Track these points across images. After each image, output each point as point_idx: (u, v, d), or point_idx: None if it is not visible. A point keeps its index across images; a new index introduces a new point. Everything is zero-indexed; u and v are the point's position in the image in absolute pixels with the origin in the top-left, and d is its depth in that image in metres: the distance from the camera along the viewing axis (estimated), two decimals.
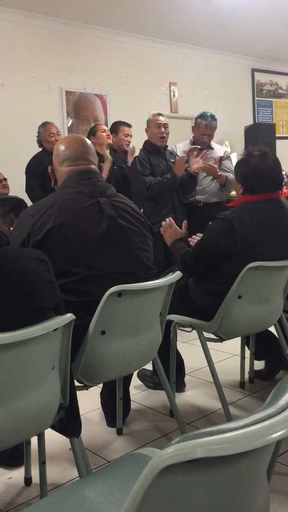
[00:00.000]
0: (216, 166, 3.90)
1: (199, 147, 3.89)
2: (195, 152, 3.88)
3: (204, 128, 3.96)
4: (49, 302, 1.41)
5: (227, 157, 4.15)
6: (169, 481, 0.67)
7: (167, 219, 2.60)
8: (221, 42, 6.60)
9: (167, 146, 3.95)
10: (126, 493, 0.69)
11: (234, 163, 4.24)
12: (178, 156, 3.95)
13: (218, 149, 4.18)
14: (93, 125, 5.10)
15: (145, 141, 3.92)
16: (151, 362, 2.60)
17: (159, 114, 3.89)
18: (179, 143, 4.19)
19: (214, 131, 4.00)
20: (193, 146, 3.91)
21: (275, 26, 6.06)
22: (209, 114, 3.98)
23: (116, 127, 4.45)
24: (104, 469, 1.27)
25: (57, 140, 3.84)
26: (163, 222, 2.60)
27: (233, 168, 4.06)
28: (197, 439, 0.64)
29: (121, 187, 3.77)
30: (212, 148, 4.11)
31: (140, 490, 0.66)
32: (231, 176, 3.91)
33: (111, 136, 4.17)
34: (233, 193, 4.21)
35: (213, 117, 3.96)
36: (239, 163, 2.37)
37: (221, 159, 4.08)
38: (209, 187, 3.98)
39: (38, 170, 4.22)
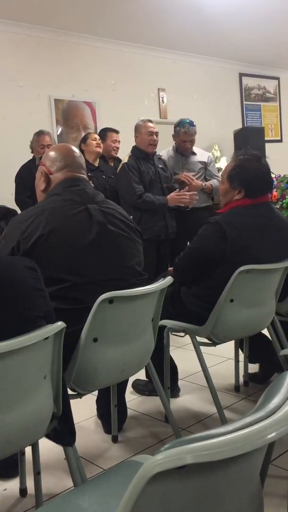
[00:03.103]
0: (192, 180, 3.89)
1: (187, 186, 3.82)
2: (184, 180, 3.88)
3: (183, 135, 3.94)
4: (40, 311, 1.40)
5: (210, 162, 4.13)
6: (159, 487, 0.66)
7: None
8: (208, 47, 6.64)
9: (155, 152, 3.95)
10: (120, 501, 0.69)
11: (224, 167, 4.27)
12: (165, 161, 3.95)
13: (201, 155, 4.13)
14: (83, 133, 5.13)
15: (133, 147, 3.86)
16: (144, 371, 2.60)
17: (150, 121, 3.86)
18: (161, 150, 4.14)
19: (194, 136, 3.98)
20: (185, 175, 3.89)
21: (261, 31, 6.11)
22: (187, 121, 3.94)
23: (104, 134, 4.47)
24: (99, 477, 1.26)
25: None
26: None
27: (218, 173, 4.06)
28: (186, 445, 0.64)
29: (110, 196, 3.76)
30: (195, 154, 4.09)
31: (131, 498, 0.66)
32: (216, 182, 3.90)
33: (101, 145, 4.17)
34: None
35: (191, 124, 3.92)
36: (234, 169, 2.28)
37: (205, 165, 4.07)
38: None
39: (28, 180, 4.21)
